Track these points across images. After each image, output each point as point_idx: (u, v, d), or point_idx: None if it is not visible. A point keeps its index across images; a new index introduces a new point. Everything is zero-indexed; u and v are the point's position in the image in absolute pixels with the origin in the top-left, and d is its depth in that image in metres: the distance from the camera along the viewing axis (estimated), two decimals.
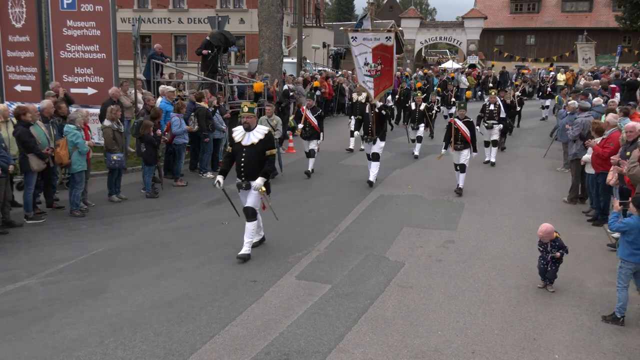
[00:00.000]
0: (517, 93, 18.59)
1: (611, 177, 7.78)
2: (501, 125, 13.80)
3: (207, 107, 11.96)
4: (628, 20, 37.52)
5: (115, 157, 9.79)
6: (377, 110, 11.11)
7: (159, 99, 12.28)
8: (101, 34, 11.97)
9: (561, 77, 29.82)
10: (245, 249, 7.23)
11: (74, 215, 8.99)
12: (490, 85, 26.16)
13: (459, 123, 10.58)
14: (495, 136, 13.68)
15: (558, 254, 6.30)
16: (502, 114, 14.17)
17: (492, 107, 13.88)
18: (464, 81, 27.27)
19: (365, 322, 5.60)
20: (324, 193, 10.86)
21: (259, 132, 7.26)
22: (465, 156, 10.60)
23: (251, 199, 7.27)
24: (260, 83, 15.09)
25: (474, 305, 5.99)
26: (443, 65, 35.95)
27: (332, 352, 5.02)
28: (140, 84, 14.51)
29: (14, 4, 12.35)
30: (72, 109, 10.17)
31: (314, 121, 12.13)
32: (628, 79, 21.04)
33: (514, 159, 14.52)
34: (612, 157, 7.66)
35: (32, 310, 5.80)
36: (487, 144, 13.86)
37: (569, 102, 12.88)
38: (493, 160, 13.57)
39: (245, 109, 7.27)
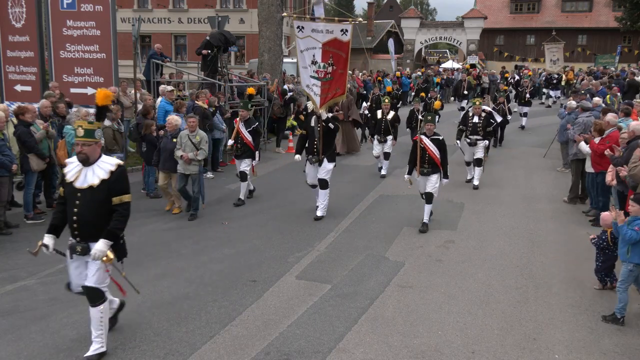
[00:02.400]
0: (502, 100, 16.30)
1: (611, 178, 7.78)
2: (486, 142, 11.44)
3: (206, 106, 11.96)
4: (628, 21, 37.51)
5: (115, 157, 9.78)
6: (323, 124, 8.98)
7: (159, 98, 12.28)
8: (101, 34, 11.97)
9: (565, 77, 29.78)
10: (94, 348, 4.81)
11: None
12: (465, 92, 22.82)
13: (426, 141, 8.47)
14: (480, 154, 11.38)
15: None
16: (498, 118, 12.82)
17: (475, 119, 11.45)
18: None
19: (365, 322, 5.59)
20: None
21: (103, 169, 4.79)
22: (433, 183, 8.48)
23: (91, 274, 4.80)
24: (251, 89, 13.37)
25: (474, 305, 5.99)
26: (443, 65, 35.96)
27: (332, 352, 5.02)
28: (140, 84, 14.50)
29: (14, 4, 12.35)
30: (74, 109, 10.17)
31: (247, 137, 9.87)
32: (627, 80, 21.03)
33: (514, 159, 14.51)
34: (605, 151, 7.66)
35: (32, 310, 5.80)
36: (468, 163, 11.77)
37: (568, 103, 12.90)
38: (476, 182, 11.29)
39: (81, 131, 4.70)
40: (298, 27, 8.71)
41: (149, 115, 10.60)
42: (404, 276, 6.78)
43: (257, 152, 10.06)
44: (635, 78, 20.41)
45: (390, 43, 33.28)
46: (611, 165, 7.72)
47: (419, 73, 30.99)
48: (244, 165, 9.91)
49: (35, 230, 8.40)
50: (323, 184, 9.01)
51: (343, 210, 9.58)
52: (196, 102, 11.86)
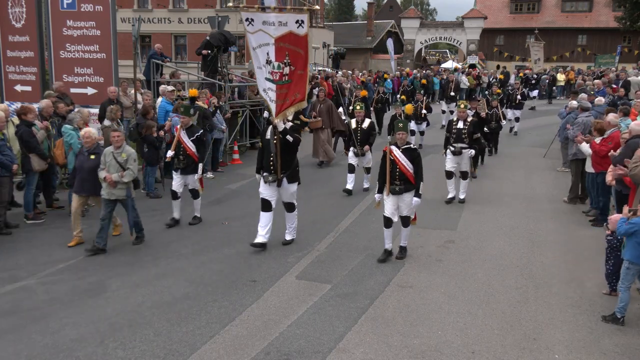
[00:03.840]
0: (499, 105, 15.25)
1: (611, 178, 7.78)
2: (472, 152, 10.09)
3: (206, 106, 11.96)
4: (628, 21, 37.55)
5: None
6: (281, 136, 7.45)
7: (159, 98, 12.28)
8: (101, 34, 11.96)
9: (561, 77, 29.81)
10: None
11: None
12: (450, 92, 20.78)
13: (397, 152, 7.14)
14: (465, 166, 10.09)
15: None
16: (503, 119, 12.41)
17: (460, 124, 10.04)
18: (465, 81, 27.15)
19: (365, 322, 5.60)
20: (324, 193, 10.85)
21: None
22: (407, 205, 7.17)
23: None
24: (193, 90, 12.32)
25: (474, 305, 5.99)
26: (443, 65, 35.91)
27: (332, 352, 5.02)
28: (140, 84, 14.50)
29: (14, 4, 12.35)
30: (75, 110, 10.17)
31: (190, 147, 8.49)
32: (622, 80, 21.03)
33: (514, 159, 14.51)
34: (609, 153, 7.66)
35: (32, 310, 5.80)
36: (449, 174, 10.16)
37: (570, 103, 12.91)
38: (462, 196, 10.11)
39: None
40: (247, 19, 7.25)
41: (149, 115, 10.60)
42: (404, 276, 6.78)
43: (200, 165, 8.58)
44: (628, 79, 20.32)
45: (389, 43, 33.17)
46: (611, 166, 7.73)
47: (398, 73, 29.35)
48: (190, 181, 8.60)
49: (35, 230, 8.41)
50: (289, 207, 7.81)
51: (343, 210, 9.58)
52: (196, 102, 11.86)
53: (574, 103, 12.53)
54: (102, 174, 7.47)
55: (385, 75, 27.29)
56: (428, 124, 16.10)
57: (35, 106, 9.39)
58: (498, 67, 34.40)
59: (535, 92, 26.49)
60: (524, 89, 21.37)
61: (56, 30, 12.14)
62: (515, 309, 5.93)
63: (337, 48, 36.93)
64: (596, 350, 5.12)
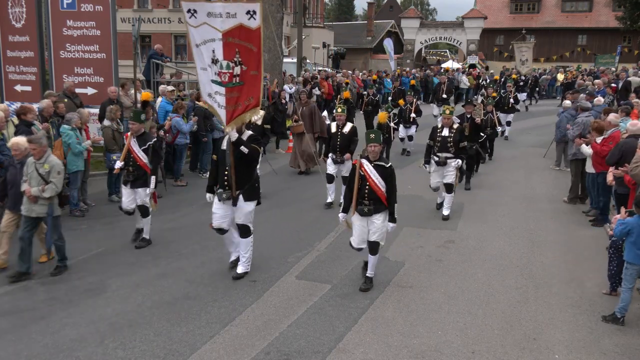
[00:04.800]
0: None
1: (611, 178, 7.79)
2: (459, 162, 9.07)
3: (207, 107, 11.94)
4: (628, 20, 37.54)
5: (115, 157, 9.75)
6: (234, 147, 6.39)
7: (159, 98, 12.28)
8: (101, 34, 11.98)
9: (561, 77, 29.78)
10: None
11: (74, 215, 8.99)
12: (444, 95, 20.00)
13: (367, 168, 6.19)
14: (450, 178, 9.01)
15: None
16: (498, 125, 11.56)
17: (445, 132, 9.06)
18: (465, 81, 27.15)
19: (365, 322, 5.60)
20: (323, 194, 10.84)
21: None
22: (378, 228, 6.20)
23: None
24: (146, 93, 11.48)
25: (474, 305, 5.99)
26: (445, 65, 35.83)
27: (332, 352, 5.02)
28: (140, 84, 14.50)
29: (14, 4, 12.35)
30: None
31: (141, 157, 7.53)
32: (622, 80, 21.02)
33: (514, 159, 14.51)
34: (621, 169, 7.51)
35: (32, 310, 5.80)
36: (436, 189, 9.43)
37: (564, 102, 12.94)
38: (446, 212, 9.07)
39: None
40: (189, 10, 6.18)
41: (148, 116, 10.60)
42: (404, 276, 6.78)
43: (152, 178, 7.57)
44: (628, 79, 20.29)
45: (388, 42, 33.12)
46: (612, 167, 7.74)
47: (415, 72, 28.98)
48: (139, 196, 7.56)
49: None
50: (243, 231, 6.59)
51: None
52: (197, 102, 11.86)
53: (567, 102, 12.58)
54: (23, 186, 6.55)
55: (399, 70, 27.19)
56: (417, 128, 14.80)
57: (36, 106, 9.39)
58: (487, 68, 33.40)
59: (523, 95, 24.88)
60: (516, 92, 20.26)
61: (56, 30, 12.15)
62: (515, 309, 5.93)
63: (337, 48, 36.98)
64: (596, 350, 5.12)
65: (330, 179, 9.77)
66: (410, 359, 4.96)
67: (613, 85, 18.67)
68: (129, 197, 7.61)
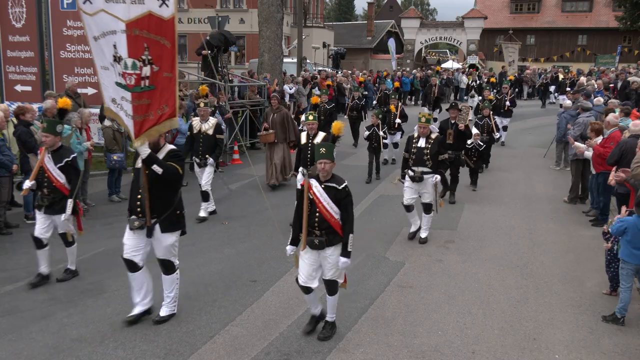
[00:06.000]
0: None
1: (612, 178, 7.78)
2: (438, 177, 7.83)
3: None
4: (628, 20, 37.51)
5: (115, 157, 9.79)
6: (145, 166, 5.20)
7: None
8: None
9: (562, 77, 29.70)
10: None
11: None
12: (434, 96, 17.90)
13: (317, 190, 5.08)
14: (428, 196, 7.90)
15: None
16: (495, 131, 10.70)
17: (422, 142, 7.89)
18: (465, 81, 27.14)
19: (365, 322, 5.59)
20: None
21: None
22: (331, 264, 5.09)
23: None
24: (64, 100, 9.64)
25: (474, 305, 5.99)
26: (443, 65, 35.82)
27: (332, 352, 5.02)
28: None
29: (14, 4, 12.36)
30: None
31: (57, 177, 6.23)
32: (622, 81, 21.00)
33: (514, 159, 14.51)
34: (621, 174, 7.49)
35: (32, 310, 5.80)
36: (408, 209, 8.09)
37: (565, 102, 12.94)
38: (424, 235, 8.06)
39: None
40: None
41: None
42: (404, 276, 6.77)
43: (68, 202, 6.21)
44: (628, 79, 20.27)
45: (391, 42, 33.19)
46: (614, 169, 7.74)
47: (399, 74, 27.17)
48: (60, 224, 6.34)
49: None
50: (165, 267, 5.47)
51: None
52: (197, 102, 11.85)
53: (568, 102, 12.58)
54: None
55: (386, 72, 27.05)
56: (402, 135, 13.43)
57: (36, 106, 9.40)
58: (476, 67, 31.99)
59: (506, 120, 23.77)
60: (513, 94, 18.56)
61: (56, 30, 12.16)
62: (515, 309, 5.93)
63: (337, 48, 36.96)
64: (596, 350, 5.12)
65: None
66: (410, 359, 4.95)
67: (611, 85, 18.66)
68: (43, 225, 6.29)
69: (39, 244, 6.35)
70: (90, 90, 12.16)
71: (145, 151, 5.09)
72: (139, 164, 5.28)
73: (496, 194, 10.91)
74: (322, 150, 5.06)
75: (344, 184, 5.13)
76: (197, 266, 7.04)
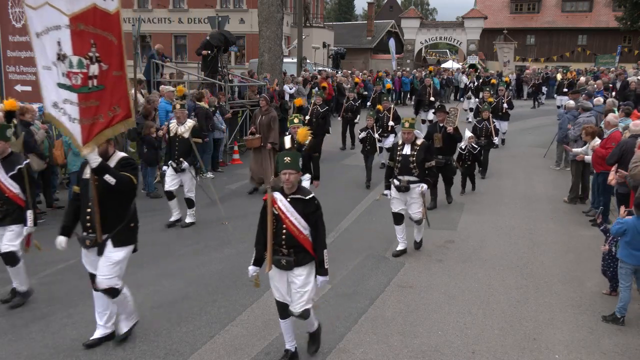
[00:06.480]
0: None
1: (612, 178, 7.79)
2: (424, 186, 7.29)
3: (207, 107, 11.96)
4: (628, 21, 37.50)
5: None
6: (95, 176, 4.75)
7: (159, 99, 12.28)
8: None
9: (560, 77, 29.70)
10: None
11: None
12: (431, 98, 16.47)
13: (282, 204, 4.56)
14: (416, 209, 7.35)
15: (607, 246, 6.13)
16: (494, 135, 10.27)
17: (407, 149, 7.32)
18: (465, 81, 27.13)
19: (365, 322, 5.60)
20: (324, 193, 10.79)
21: None
22: (301, 284, 4.58)
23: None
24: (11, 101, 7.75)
25: (474, 305, 5.99)
26: (443, 65, 35.82)
27: (332, 352, 5.02)
28: (142, 85, 14.51)
29: (14, 4, 12.35)
30: None
31: (10, 187, 5.64)
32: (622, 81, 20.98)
33: (514, 158, 14.51)
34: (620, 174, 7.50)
35: (32, 310, 5.80)
36: (398, 218, 7.45)
37: (567, 102, 12.94)
38: (418, 238, 7.68)
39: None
40: None
41: (150, 117, 10.60)
42: (404, 276, 6.77)
43: (28, 213, 5.73)
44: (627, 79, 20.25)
45: (392, 42, 33.19)
46: (613, 169, 7.74)
47: (400, 74, 26.80)
48: (10, 240, 5.66)
49: (35, 230, 8.37)
50: (110, 292, 4.91)
51: (343, 210, 9.57)
52: (197, 103, 11.86)
53: (571, 103, 12.57)
54: None
55: (382, 73, 26.99)
56: (395, 138, 12.68)
57: (36, 106, 9.39)
58: (475, 68, 31.70)
59: (505, 125, 22.72)
60: (509, 95, 17.93)
61: None
62: (515, 309, 5.93)
63: (337, 48, 36.98)
64: (596, 350, 5.12)
65: None
66: (410, 359, 4.95)
67: (610, 85, 18.66)
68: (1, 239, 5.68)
69: (8, 259, 5.70)
70: None
71: (95, 159, 4.63)
72: (87, 174, 4.85)
73: (496, 194, 10.91)
74: (287, 159, 4.53)
75: (312, 195, 4.61)
76: (197, 266, 7.04)
